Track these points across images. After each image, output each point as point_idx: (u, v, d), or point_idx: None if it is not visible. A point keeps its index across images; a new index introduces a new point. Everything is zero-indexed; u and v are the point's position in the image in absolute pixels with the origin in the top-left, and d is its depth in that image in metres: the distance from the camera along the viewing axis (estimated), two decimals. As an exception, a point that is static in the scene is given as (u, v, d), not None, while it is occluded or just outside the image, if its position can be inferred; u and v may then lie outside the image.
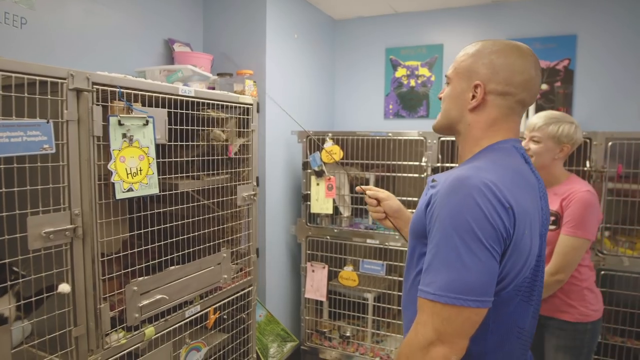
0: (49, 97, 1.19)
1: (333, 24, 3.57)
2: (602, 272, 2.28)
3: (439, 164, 2.58)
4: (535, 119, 1.79)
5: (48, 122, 1.17)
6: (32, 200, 1.19)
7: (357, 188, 1.46)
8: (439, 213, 0.91)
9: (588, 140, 2.28)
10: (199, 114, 1.85)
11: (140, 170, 1.42)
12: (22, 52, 1.90)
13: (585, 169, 2.29)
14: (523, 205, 0.93)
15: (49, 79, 1.19)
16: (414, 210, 1.10)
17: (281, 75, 2.91)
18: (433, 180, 1.01)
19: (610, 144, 2.25)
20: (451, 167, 2.62)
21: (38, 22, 1.95)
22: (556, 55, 2.94)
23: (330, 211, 2.78)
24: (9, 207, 1.16)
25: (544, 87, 2.98)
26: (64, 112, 1.22)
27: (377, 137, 2.74)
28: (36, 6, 1.94)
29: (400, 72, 3.38)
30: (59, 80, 1.21)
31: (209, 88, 2.40)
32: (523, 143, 1.77)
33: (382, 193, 1.41)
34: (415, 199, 2.68)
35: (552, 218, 1.74)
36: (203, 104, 1.86)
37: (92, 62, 2.17)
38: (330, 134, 2.78)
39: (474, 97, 1.03)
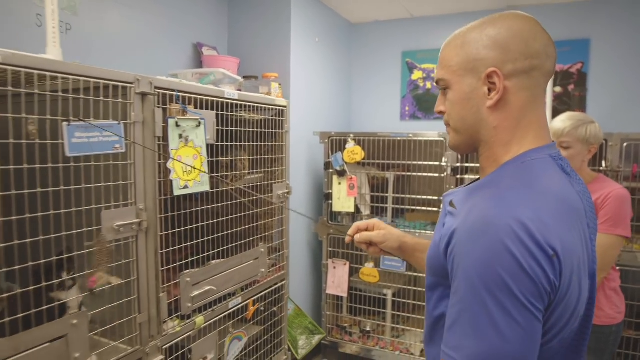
0: (120, 100, 1.29)
1: (350, 28, 3.67)
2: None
3: (458, 164, 2.67)
4: (559, 123, 1.78)
5: (119, 123, 1.26)
6: (97, 197, 1.27)
7: (347, 240, 1.26)
8: (461, 262, 0.73)
9: (604, 141, 2.38)
10: (235, 116, 1.95)
11: (194, 168, 1.52)
12: (68, 56, 1.99)
13: (601, 168, 2.38)
14: (569, 246, 0.72)
15: (119, 84, 1.28)
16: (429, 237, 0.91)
17: (304, 78, 3.00)
18: (451, 204, 0.84)
19: (625, 144, 2.35)
20: (472, 167, 2.74)
21: (81, 28, 2.04)
22: (570, 58, 3.04)
23: (352, 209, 2.88)
24: (77, 202, 1.25)
25: (558, 89, 3.08)
26: (132, 114, 1.31)
27: (398, 138, 2.84)
28: (79, 12, 2.04)
29: (417, 75, 3.48)
30: (128, 85, 1.31)
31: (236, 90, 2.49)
32: None
33: (377, 236, 1.19)
34: (434, 197, 2.77)
35: None
36: (236, 105, 1.95)
37: (128, 66, 2.26)
38: (352, 135, 2.87)
39: (490, 90, 0.81)
